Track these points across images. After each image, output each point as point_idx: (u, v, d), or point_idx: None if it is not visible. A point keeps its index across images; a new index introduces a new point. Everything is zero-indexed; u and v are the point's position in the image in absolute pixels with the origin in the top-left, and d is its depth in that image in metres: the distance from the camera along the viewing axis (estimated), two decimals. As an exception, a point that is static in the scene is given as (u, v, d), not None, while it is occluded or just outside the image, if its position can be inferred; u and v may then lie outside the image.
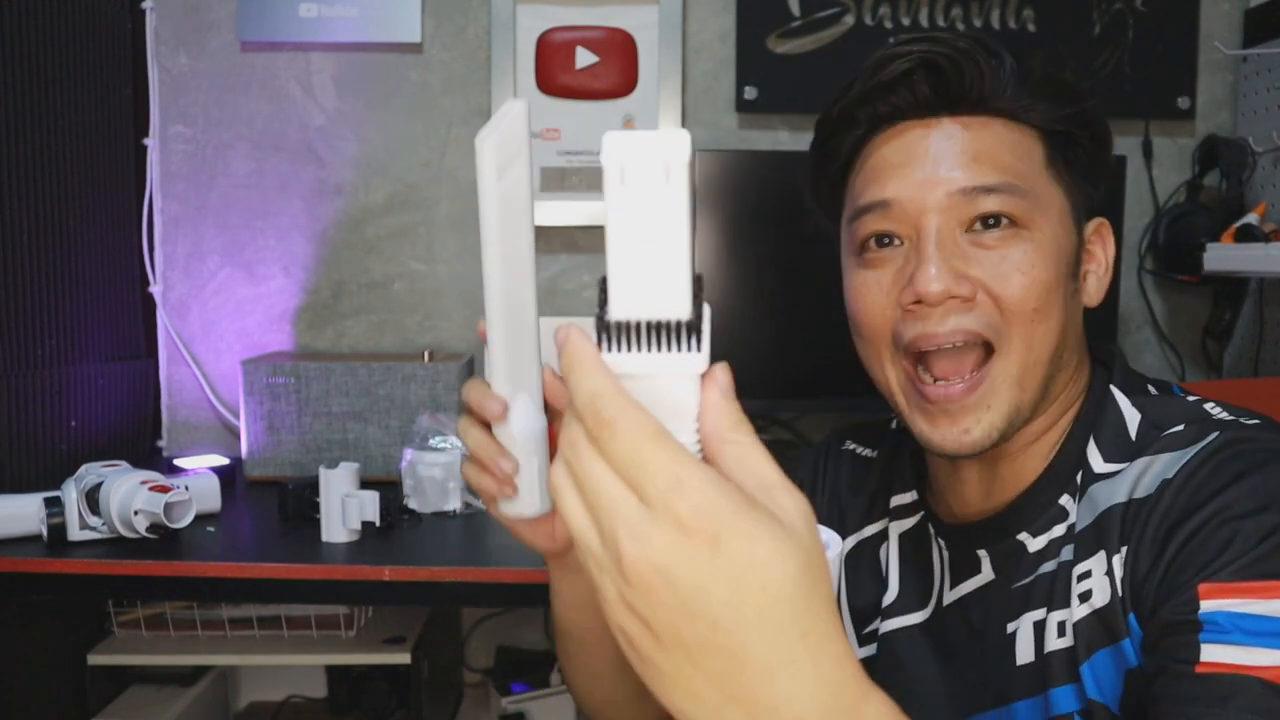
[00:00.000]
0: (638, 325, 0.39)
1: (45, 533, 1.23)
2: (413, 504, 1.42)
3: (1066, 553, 0.68)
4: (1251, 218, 1.57)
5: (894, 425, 0.88)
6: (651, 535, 0.37)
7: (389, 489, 1.34)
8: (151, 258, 1.82)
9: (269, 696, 1.76)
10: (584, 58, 1.79)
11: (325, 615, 1.49)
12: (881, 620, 0.81)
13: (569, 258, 1.84)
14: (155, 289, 1.83)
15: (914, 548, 0.81)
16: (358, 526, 1.27)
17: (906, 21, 1.76)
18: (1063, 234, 0.70)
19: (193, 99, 1.82)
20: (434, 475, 1.40)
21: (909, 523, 0.82)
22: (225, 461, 1.62)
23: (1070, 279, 0.71)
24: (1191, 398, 0.71)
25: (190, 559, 1.21)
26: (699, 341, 0.40)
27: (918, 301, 0.68)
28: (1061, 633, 0.67)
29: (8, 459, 1.42)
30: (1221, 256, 1.54)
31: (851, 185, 0.74)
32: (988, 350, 0.68)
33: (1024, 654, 0.69)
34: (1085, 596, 0.66)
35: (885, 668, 0.79)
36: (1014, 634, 0.70)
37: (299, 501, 1.36)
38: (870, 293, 0.71)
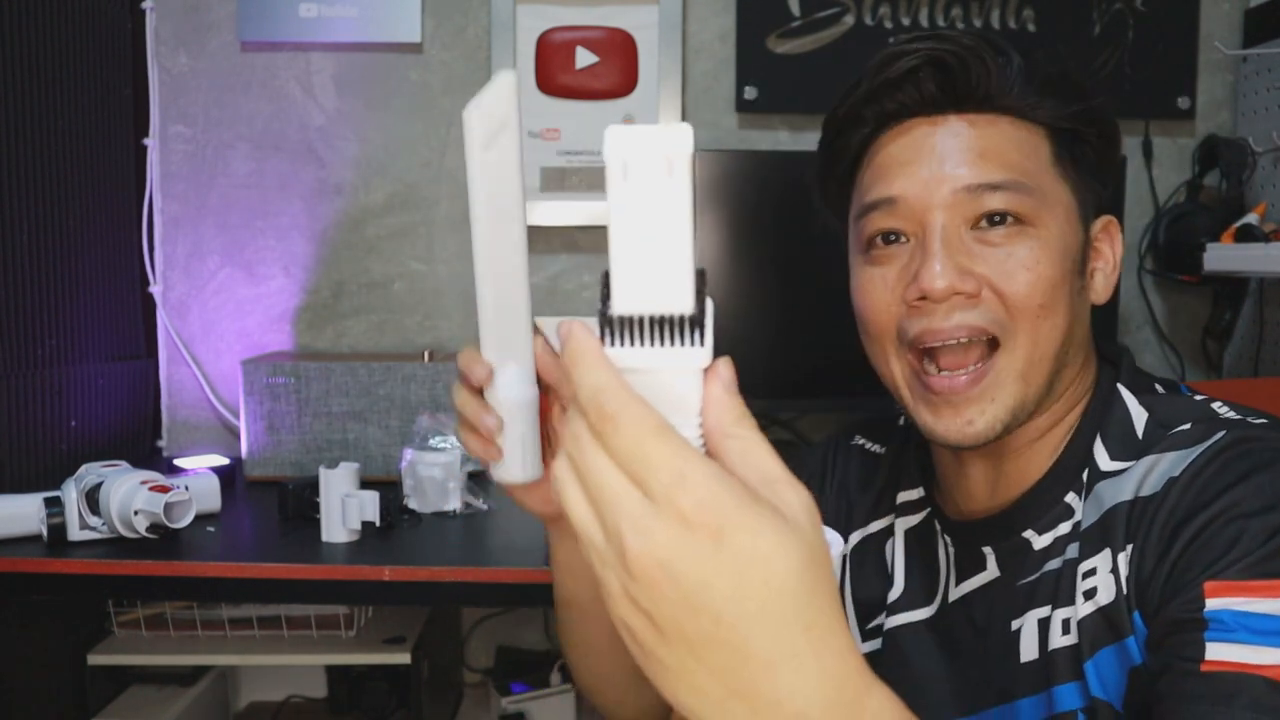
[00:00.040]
0: (641, 320, 0.39)
1: (45, 533, 1.23)
2: (413, 504, 1.42)
3: (1072, 550, 0.68)
4: (1251, 218, 1.57)
5: (902, 422, 0.88)
6: (655, 530, 0.37)
7: (389, 489, 1.34)
8: (151, 258, 1.82)
9: (269, 696, 1.76)
10: (584, 58, 1.79)
11: (325, 615, 1.49)
12: (887, 616, 0.81)
13: (569, 258, 1.84)
14: (155, 289, 1.82)
15: (920, 544, 0.81)
16: (358, 526, 1.27)
17: (906, 21, 1.76)
18: (1069, 231, 0.70)
19: (193, 99, 1.82)
20: (434, 475, 1.40)
21: (915, 519, 0.82)
22: (225, 461, 1.62)
23: (1077, 276, 0.71)
24: (1199, 397, 0.71)
25: (190, 559, 1.21)
26: (702, 336, 0.40)
27: (922, 298, 0.68)
28: (1066, 630, 0.67)
29: (8, 459, 1.42)
30: (1221, 256, 1.54)
31: (859, 183, 0.74)
32: (993, 346, 0.68)
33: (1028, 651, 0.69)
34: (1090, 594, 0.66)
35: (890, 663, 0.79)
36: (1018, 631, 0.70)
37: (299, 501, 1.36)
38: (876, 289, 0.71)
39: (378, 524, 1.28)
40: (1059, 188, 0.70)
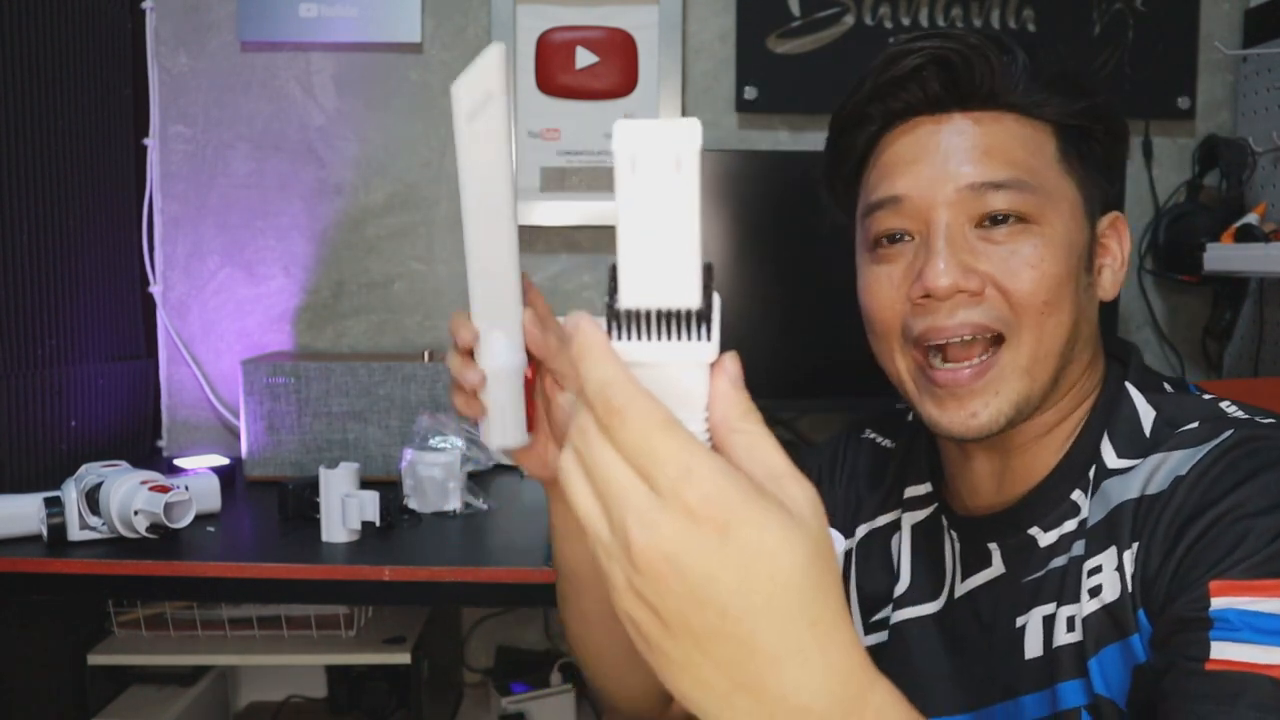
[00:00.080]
0: (648, 314, 0.39)
1: (45, 533, 1.22)
2: (413, 504, 1.42)
3: (1077, 548, 0.68)
4: (1251, 218, 1.57)
5: (911, 417, 0.88)
6: (661, 523, 0.37)
7: (389, 489, 1.34)
8: (151, 258, 1.82)
9: (269, 696, 1.76)
10: (584, 58, 1.79)
11: (325, 615, 1.49)
12: (893, 609, 0.81)
13: (569, 257, 1.84)
14: (155, 289, 1.82)
15: (926, 539, 0.81)
16: (358, 526, 1.27)
17: (906, 21, 1.76)
18: (1074, 228, 0.70)
19: (193, 99, 1.82)
20: (434, 475, 1.40)
21: (922, 514, 0.82)
22: (225, 461, 1.62)
23: (1083, 273, 0.71)
24: (1207, 396, 0.71)
25: (190, 559, 1.20)
26: (709, 330, 0.40)
27: (926, 296, 0.68)
28: (1070, 627, 0.67)
29: (8, 459, 1.42)
30: (1221, 256, 1.54)
31: (865, 182, 0.75)
32: (998, 341, 0.69)
33: (1032, 648, 0.69)
34: (1095, 592, 0.66)
35: (893, 657, 0.79)
36: (1023, 628, 0.70)
37: (299, 501, 1.36)
38: (881, 287, 0.72)
39: (378, 524, 1.28)
40: (1064, 184, 0.70)
